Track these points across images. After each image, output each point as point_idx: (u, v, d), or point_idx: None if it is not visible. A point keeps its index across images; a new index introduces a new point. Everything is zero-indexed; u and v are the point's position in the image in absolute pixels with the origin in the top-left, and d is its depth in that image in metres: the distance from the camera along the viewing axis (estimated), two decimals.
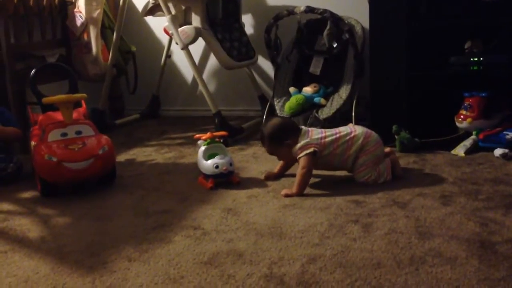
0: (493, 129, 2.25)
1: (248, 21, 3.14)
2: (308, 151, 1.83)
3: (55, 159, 1.87)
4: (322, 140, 1.86)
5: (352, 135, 1.88)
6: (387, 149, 2.02)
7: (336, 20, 2.53)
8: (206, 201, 1.80)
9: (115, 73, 3.15)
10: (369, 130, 1.92)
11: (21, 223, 1.70)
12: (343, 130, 1.91)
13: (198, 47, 3.18)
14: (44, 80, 2.55)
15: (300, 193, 1.81)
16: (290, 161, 1.97)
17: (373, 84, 2.44)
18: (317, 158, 1.85)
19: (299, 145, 1.85)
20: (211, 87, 3.27)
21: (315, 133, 1.89)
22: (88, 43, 3.01)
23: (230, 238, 1.49)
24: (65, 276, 1.32)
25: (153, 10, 2.93)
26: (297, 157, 1.85)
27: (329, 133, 1.89)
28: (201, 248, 1.43)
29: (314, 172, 1.96)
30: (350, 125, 1.98)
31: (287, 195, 1.80)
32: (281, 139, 1.88)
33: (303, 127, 1.93)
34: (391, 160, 1.95)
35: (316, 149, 1.83)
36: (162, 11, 2.74)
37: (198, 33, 2.64)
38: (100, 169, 1.95)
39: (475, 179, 1.88)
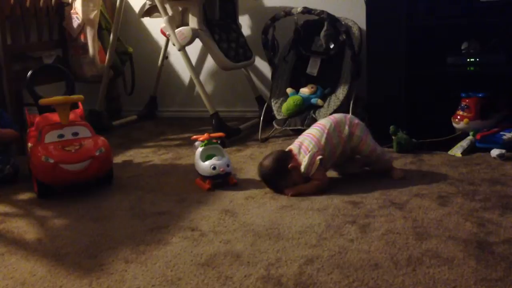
0: (490, 130, 2.25)
1: (245, 22, 3.14)
2: (317, 164, 1.82)
3: (52, 161, 1.86)
4: (318, 143, 1.85)
5: (335, 120, 1.91)
6: None
7: (333, 21, 2.53)
8: (204, 202, 1.80)
9: (112, 74, 3.15)
10: (342, 114, 2.00)
11: (18, 225, 1.70)
12: (324, 122, 1.92)
13: (195, 48, 3.18)
14: (41, 82, 2.54)
15: (301, 195, 1.81)
16: (302, 183, 1.86)
17: (370, 85, 2.44)
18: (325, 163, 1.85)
19: (304, 164, 1.82)
20: (208, 88, 3.27)
21: (307, 143, 1.86)
22: (85, 44, 3.00)
23: (228, 240, 1.48)
24: (62, 278, 1.32)
25: (150, 11, 2.93)
26: (310, 175, 1.83)
27: (318, 134, 1.88)
28: (199, 250, 1.43)
29: None
30: (325, 118, 2.01)
31: (292, 195, 1.80)
32: (285, 167, 1.83)
33: (292, 146, 1.89)
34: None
35: (321, 156, 1.83)
36: (159, 12, 2.74)
37: (195, 34, 2.64)
38: (97, 171, 1.95)
39: (472, 180, 1.88)
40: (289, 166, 1.82)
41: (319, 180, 1.83)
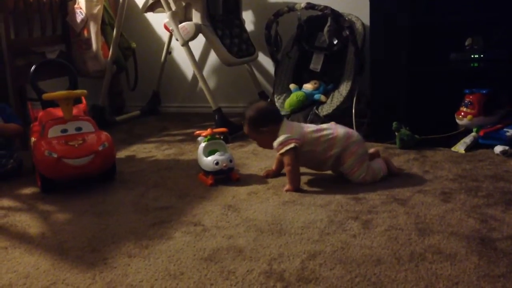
0: (493, 126, 2.25)
1: (248, 18, 3.13)
2: (288, 147, 1.81)
3: (55, 155, 1.87)
4: (303, 136, 1.84)
5: (334, 135, 1.85)
6: (372, 150, 1.99)
7: (337, 16, 2.53)
8: (206, 198, 1.80)
9: (115, 69, 3.15)
10: (350, 130, 1.90)
11: (22, 219, 1.70)
12: (325, 127, 1.88)
13: (198, 44, 3.18)
14: (44, 77, 2.55)
15: (296, 187, 1.81)
16: (268, 148, 1.92)
17: (373, 81, 2.44)
18: (298, 153, 1.83)
19: (279, 139, 1.82)
20: (211, 83, 3.27)
21: (296, 128, 1.86)
22: (88, 39, 3.00)
23: (230, 235, 1.49)
24: (65, 272, 1.32)
25: (153, 6, 2.93)
26: (278, 153, 1.85)
27: (311, 129, 1.86)
28: (201, 244, 1.43)
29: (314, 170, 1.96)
30: (332, 123, 1.94)
31: (287, 190, 1.81)
32: (260, 125, 1.86)
33: (285, 119, 1.90)
34: (383, 159, 1.95)
35: (296, 144, 1.81)
36: (162, 7, 2.74)
37: (198, 30, 2.64)
38: (100, 166, 1.95)
39: (475, 176, 1.88)
40: (260, 129, 1.85)
41: (289, 164, 1.81)
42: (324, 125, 1.91)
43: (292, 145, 1.81)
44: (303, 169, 1.90)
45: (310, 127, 1.88)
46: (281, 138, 1.82)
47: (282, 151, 1.82)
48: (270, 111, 1.91)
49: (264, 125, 1.86)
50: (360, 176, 1.85)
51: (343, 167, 1.85)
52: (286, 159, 1.82)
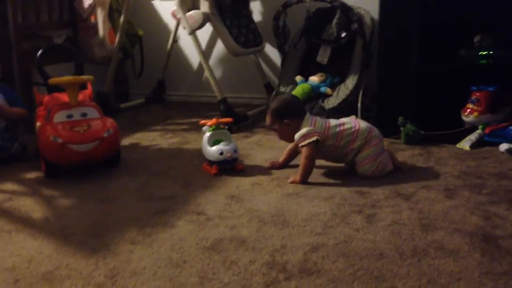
0: (499, 124, 2.24)
1: (256, 8, 3.12)
2: (310, 140, 1.81)
3: (60, 140, 1.87)
4: (326, 130, 1.84)
5: (356, 128, 1.86)
6: None
7: (346, 9, 2.51)
8: (210, 187, 1.81)
9: (121, 56, 3.14)
10: (371, 125, 1.91)
11: (25, 203, 1.71)
12: (347, 122, 1.89)
13: (205, 33, 3.16)
14: (50, 61, 2.54)
15: (304, 181, 1.81)
16: (289, 141, 1.92)
17: (380, 75, 2.42)
18: (319, 147, 1.83)
19: (301, 132, 1.82)
20: (217, 73, 3.26)
21: (319, 122, 1.87)
22: (95, 25, 2.99)
23: (233, 225, 1.49)
24: (68, 257, 1.33)
25: None
26: (299, 145, 1.84)
27: (333, 124, 1.87)
28: (204, 234, 1.44)
29: (319, 162, 1.96)
30: (353, 117, 1.95)
31: (292, 182, 1.81)
32: (282, 117, 1.86)
33: (308, 114, 1.89)
34: (388, 152, 1.95)
35: (319, 137, 1.81)
36: None
37: (206, 19, 2.62)
38: (105, 152, 1.95)
39: (479, 173, 1.87)
40: (284, 121, 1.85)
41: (307, 157, 1.81)
42: (345, 119, 1.91)
43: (314, 138, 1.81)
44: None
45: (332, 122, 1.88)
46: (304, 130, 1.82)
47: (304, 143, 1.82)
48: (295, 104, 1.93)
49: (288, 117, 1.86)
50: (370, 169, 1.85)
51: (357, 157, 1.86)
52: (305, 151, 1.82)
